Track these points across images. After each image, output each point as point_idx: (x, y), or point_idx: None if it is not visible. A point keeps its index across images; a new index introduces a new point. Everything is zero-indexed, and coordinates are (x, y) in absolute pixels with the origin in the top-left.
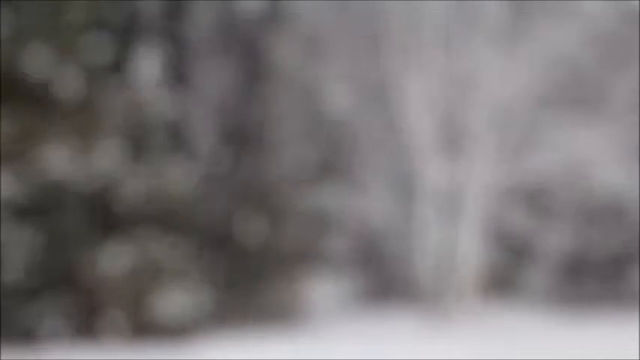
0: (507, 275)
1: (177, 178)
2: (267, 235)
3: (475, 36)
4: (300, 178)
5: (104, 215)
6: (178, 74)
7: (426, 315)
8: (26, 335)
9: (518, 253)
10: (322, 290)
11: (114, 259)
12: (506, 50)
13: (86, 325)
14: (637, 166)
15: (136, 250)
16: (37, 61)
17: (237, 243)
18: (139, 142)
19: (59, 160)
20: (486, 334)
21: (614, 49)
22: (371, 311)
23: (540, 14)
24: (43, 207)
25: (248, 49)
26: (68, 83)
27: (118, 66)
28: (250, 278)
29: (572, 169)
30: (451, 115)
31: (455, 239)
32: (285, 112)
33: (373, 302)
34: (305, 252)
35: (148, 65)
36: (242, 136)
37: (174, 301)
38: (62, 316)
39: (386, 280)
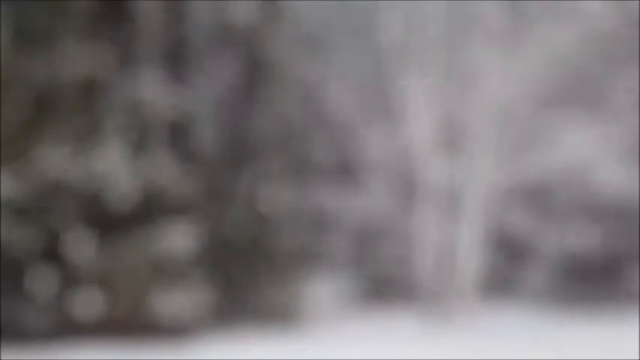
0: (507, 275)
1: (177, 178)
2: (267, 234)
3: (475, 36)
4: (300, 177)
5: (104, 215)
6: (178, 74)
7: (426, 315)
8: (26, 335)
9: (518, 253)
10: (322, 290)
11: (114, 259)
12: (506, 50)
13: (86, 324)
14: (637, 166)
15: (136, 250)
16: (37, 61)
17: (237, 243)
18: (139, 142)
19: (59, 160)
20: (486, 334)
21: (614, 49)
22: (371, 311)
23: (540, 14)
24: (43, 207)
25: (248, 49)
26: (68, 83)
27: (118, 66)
28: (250, 278)
29: (572, 169)
30: (451, 115)
31: (455, 239)
32: (285, 112)
33: (373, 302)
34: (305, 252)
35: (148, 65)
36: (242, 136)
37: (175, 301)
38: (62, 316)
39: (386, 280)
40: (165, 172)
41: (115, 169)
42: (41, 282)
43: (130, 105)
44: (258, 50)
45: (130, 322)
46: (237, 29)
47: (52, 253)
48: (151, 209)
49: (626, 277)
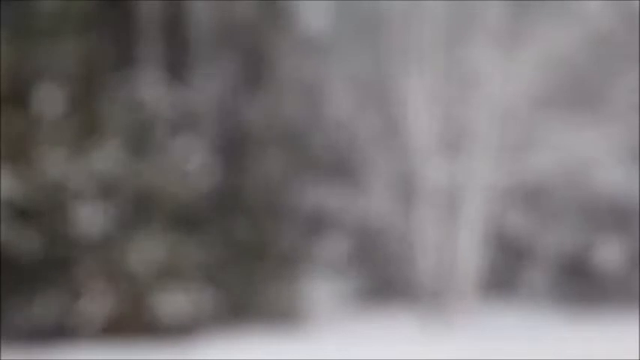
0: (507, 275)
1: (177, 178)
2: (267, 234)
3: (475, 36)
4: (300, 177)
5: (103, 215)
6: (178, 74)
7: (426, 315)
8: (26, 335)
9: (518, 253)
10: (322, 290)
11: (114, 259)
12: (506, 50)
13: (86, 324)
14: (637, 166)
15: (136, 250)
16: (37, 61)
17: (237, 242)
18: (139, 142)
19: (59, 160)
20: (486, 334)
21: (614, 50)
22: (371, 311)
23: (540, 15)
24: (43, 207)
25: (248, 49)
26: (68, 83)
27: (118, 66)
28: (250, 278)
29: (572, 169)
30: (451, 115)
31: (455, 239)
32: (285, 112)
33: (373, 302)
34: (304, 252)
35: (149, 65)
36: (242, 136)
37: (175, 301)
38: (62, 316)
39: (386, 280)
40: (165, 172)
41: (114, 169)
42: (41, 282)
43: (130, 105)
44: (258, 50)
45: (130, 322)
46: (237, 29)
47: (52, 253)
48: (150, 209)
49: (626, 277)
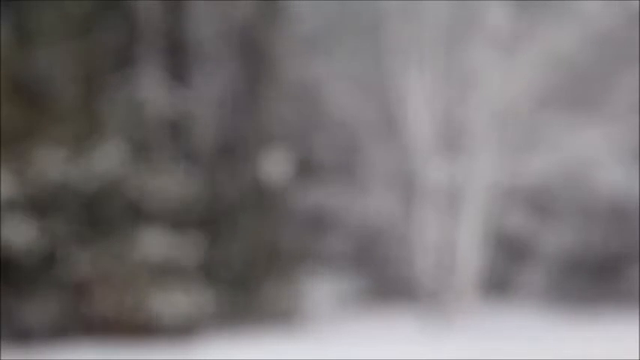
0: (507, 275)
1: (177, 178)
2: (267, 235)
3: (475, 36)
4: (300, 177)
5: (104, 215)
6: (178, 74)
7: (426, 315)
8: (26, 335)
9: (518, 253)
10: (322, 290)
11: (114, 260)
12: (506, 50)
13: (86, 324)
14: (637, 166)
15: (136, 250)
16: (37, 61)
17: (236, 243)
18: (139, 142)
19: (59, 160)
20: (486, 334)
21: (614, 49)
22: (371, 311)
23: (540, 14)
24: (43, 207)
25: (248, 49)
26: (68, 83)
27: (118, 66)
28: (250, 278)
29: (573, 169)
30: (451, 115)
31: (455, 239)
32: (285, 112)
33: (373, 302)
34: (305, 252)
35: (148, 65)
36: (242, 137)
37: (175, 301)
38: (62, 316)
39: (386, 280)
40: (166, 172)
41: (114, 169)
42: (41, 282)
43: (130, 105)
44: (258, 50)
45: (130, 322)
46: (237, 29)
47: (52, 254)
48: (151, 209)
49: (626, 277)
